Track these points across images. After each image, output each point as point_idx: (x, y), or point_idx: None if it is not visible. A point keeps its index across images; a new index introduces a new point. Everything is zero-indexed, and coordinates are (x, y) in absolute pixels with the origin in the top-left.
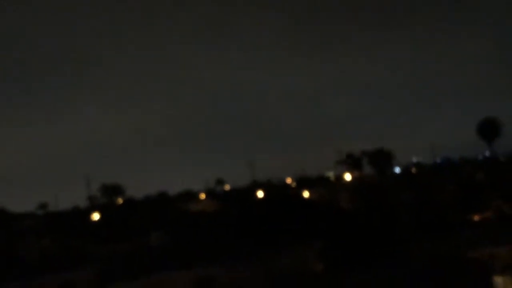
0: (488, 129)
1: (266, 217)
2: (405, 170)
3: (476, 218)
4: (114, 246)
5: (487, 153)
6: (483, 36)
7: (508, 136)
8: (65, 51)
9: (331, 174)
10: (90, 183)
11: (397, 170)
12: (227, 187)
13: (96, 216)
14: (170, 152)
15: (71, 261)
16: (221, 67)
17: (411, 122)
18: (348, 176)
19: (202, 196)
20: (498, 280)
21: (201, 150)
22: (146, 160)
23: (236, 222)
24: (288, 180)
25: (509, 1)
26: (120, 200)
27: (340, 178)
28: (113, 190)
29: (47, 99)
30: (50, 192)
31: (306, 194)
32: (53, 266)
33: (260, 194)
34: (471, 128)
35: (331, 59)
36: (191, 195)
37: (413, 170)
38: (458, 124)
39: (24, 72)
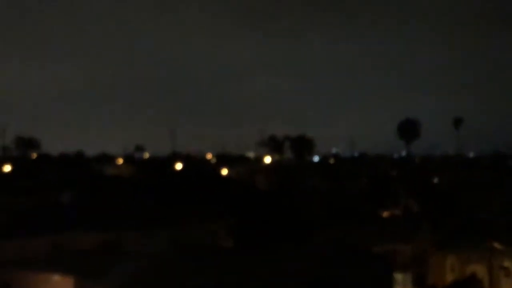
0: (408, 130)
1: (182, 189)
2: (324, 159)
3: (385, 214)
4: (23, 199)
5: (403, 153)
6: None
7: (425, 138)
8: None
9: (251, 155)
10: (5, 133)
11: (316, 158)
12: (146, 155)
13: (7, 168)
14: (91, 112)
15: None
16: (155, 34)
17: (334, 112)
18: (268, 159)
19: (120, 160)
20: (398, 277)
21: (123, 114)
22: (65, 117)
23: (152, 191)
24: (208, 156)
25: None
26: (34, 155)
27: (260, 159)
28: (28, 143)
29: None
30: None
31: (224, 171)
32: None
33: (179, 166)
34: (393, 126)
35: (263, 38)
36: (108, 158)
37: (331, 160)
38: (380, 121)
39: None
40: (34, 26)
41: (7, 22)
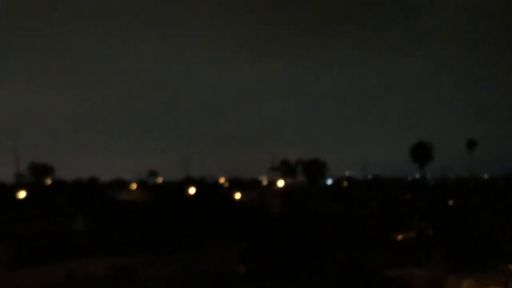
0: (421, 152)
1: (195, 213)
2: (337, 182)
3: (399, 237)
4: (36, 226)
5: (417, 175)
6: (425, 57)
7: (440, 162)
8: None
9: (264, 179)
10: (19, 160)
11: (329, 181)
12: (159, 180)
13: (22, 194)
14: (105, 138)
15: None
16: (165, 60)
17: (347, 135)
18: (281, 183)
19: (134, 186)
20: None
21: (137, 140)
22: (79, 143)
23: (165, 216)
24: (221, 180)
25: (448, 25)
26: (48, 181)
27: (272, 183)
28: (42, 169)
29: None
30: None
31: (237, 195)
32: None
33: (192, 190)
34: (406, 149)
35: (275, 63)
36: (122, 184)
37: (345, 183)
38: (393, 143)
39: None
40: (49, 51)
41: (21, 47)
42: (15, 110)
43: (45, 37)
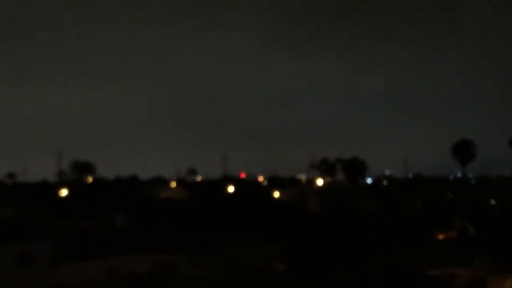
0: (463, 151)
1: (234, 212)
2: (377, 181)
3: (440, 236)
4: (79, 223)
5: (459, 174)
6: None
7: (481, 160)
8: (47, 25)
9: (303, 177)
10: (62, 157)
11: (369, 180)
12: (199, 178)
13: (64, 192)
14: (145, 137)
15: (32, 233)
16: (206, 59)
17: (388, 134)
18: (320, 181)
19: (173, 184)
20: None
21: (177, 138)
22: (120, 142)
23: (205, 214)
24: (260, 178)
25: (489, 26)
26: (90, 179)
27: (311, 181)
28: (84, 167)
29: (32, 69)
30: (19, 162)
31: (276, 194)
32: (14, 236)
33: (231, 189)
34: (447, 147)
35: (315, 63)
36: (162, 182)
37: (385, 182)
38: (434, 141)
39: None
40: (90, 51)
41: (66, 48)
42: (58, 109)
43: (84, 38)
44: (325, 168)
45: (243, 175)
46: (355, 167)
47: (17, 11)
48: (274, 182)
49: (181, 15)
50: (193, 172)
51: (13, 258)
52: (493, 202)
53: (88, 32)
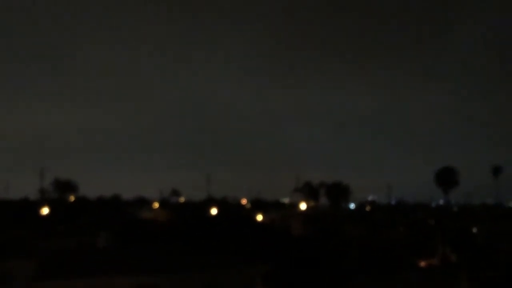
0: (446, 178)
1: (217, 234)
2: (360, 206)
3: (422, 263)
4: (60, 242)
5: (441, 201)
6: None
7: (465, 188)
8: (31, 40)
9: (286, 201)
10: (44, 176)
11: (352, 205)
12: (182, 199)
13: (45, 210)
14: (128, 157)
15: (12, 250)
16: (190, 81)
17: (371, 160)
18: (303, 205)
19: (156, 204)
20: None
21: (160, 159)
22: (103, 161)
23: (187, 235)
24: (243, 201)
25: (467, 57)
26: (72, 197)
27: (294, 205)
28: (66, 186)
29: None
30: (1, 179)
31: (259, 217)
32: None
33: (214, 211)
34: (431, 174)
35: (299, 86)
36: (144, 202)
37: (368, 207)
38: (418, 168)
39: None
40: (72, 70)
41: (46, 66)
42: (40, 128)
43: (70, 57)
44: (308, 192)
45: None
46: (339, 192)
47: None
48: (258, 205)
49: (165, 40)
50: (176, 193)
51: None
52: (475, 230)
53: (73, 49)
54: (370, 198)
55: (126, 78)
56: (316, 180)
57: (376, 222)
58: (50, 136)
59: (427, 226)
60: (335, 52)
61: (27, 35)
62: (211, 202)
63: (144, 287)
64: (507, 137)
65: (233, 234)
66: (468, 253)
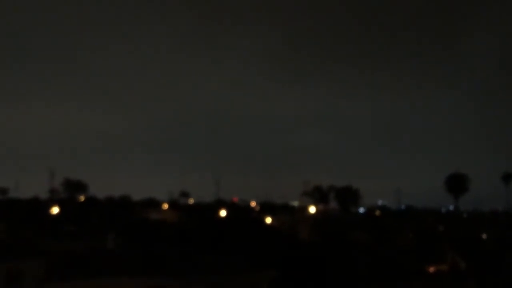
0: (456, 184)
1: (226, 236)
2: (369, 211)
3: (431, 269)
4: (69, 243)
5: (451, 207)
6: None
7: (475, 194)
8: (43, 44)
9: (295, 204)
10: (54, 176)
11: (362, 210)
12: (191, 200)
13: (55, 210)
14: (139, 158)
15: (22, 251)
16: (201, 83)
17: (382, 164)
18: (312, 209)
19: (165, 206)
20: None
21: (170, 160)
22: (113, 162)
23: (196, 237)
24: (252, 203)
25: (480, 62)
26: (82, 198)
27: (304, 209)
28: (76, 186)
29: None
30: (12, 178)
31: (268, 219)
32: (3, 253)
33: (223, 213)
34: (441, 180)
35: (311, 91)
36: (154, 203)
37: (377, 212)
38: (428, 174)
39: None
40: (85, 71)
41: (57, 67)
42: (52, 127)
43: (79, 58)
44: (318, 196)
45: (235, 199)
46: (348, 196)
47: (6, 28)
48: (267, 207)
49: (180, 42)
50: (185, 195)
51: (1, 275)
52: (484, 236)
53: (83, 50)
54: (379, 202)
55: (139, 79)
56: (326, 184)
57: (385, 227)
58: (61, 137)
59: (436, 232)
60: (347, 57)
61: (29, 37)
62: (220, 204)
63: None
64: None
65: (241, 237)
66: (477, 260)
